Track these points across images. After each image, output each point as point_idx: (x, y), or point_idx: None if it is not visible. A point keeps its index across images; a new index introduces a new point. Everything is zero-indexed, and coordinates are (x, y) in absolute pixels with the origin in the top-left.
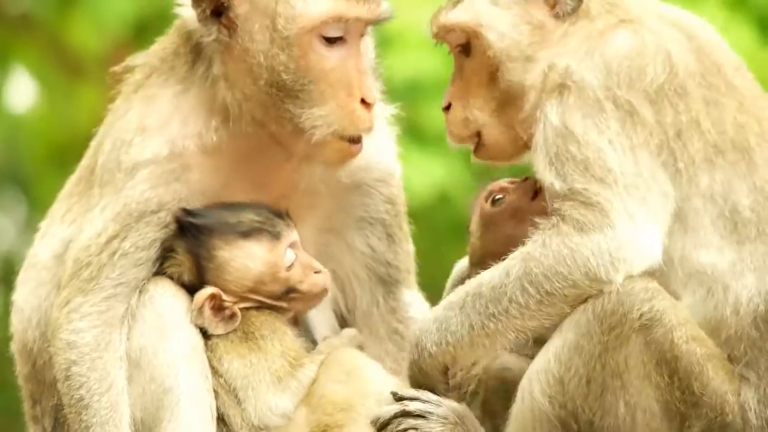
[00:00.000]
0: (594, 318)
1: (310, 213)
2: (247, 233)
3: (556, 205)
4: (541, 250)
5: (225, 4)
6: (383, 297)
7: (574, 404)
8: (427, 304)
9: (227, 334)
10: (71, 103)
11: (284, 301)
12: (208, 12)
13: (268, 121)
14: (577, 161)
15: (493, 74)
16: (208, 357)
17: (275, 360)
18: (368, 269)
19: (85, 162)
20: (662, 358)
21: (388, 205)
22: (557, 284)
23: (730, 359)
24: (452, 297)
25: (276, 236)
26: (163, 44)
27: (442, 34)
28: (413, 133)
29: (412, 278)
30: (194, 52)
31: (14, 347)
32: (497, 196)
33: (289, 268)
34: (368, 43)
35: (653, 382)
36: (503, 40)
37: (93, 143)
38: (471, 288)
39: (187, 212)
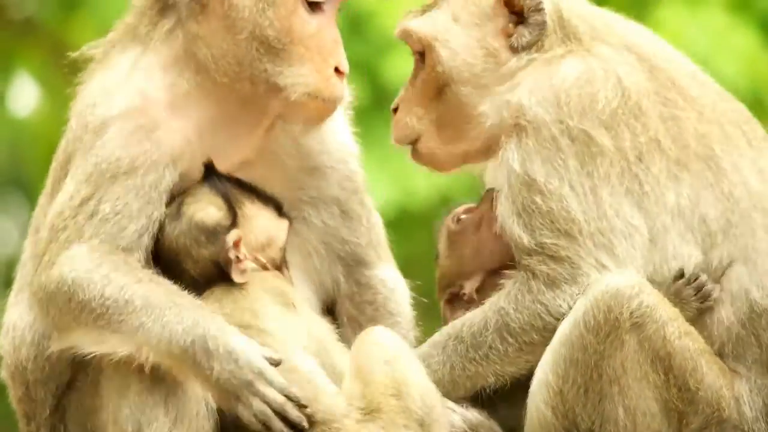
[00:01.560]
0: (587, 331)
1: (272, 184)
2: (266, 200)
3: (524, 262)
4: (514, 305)
5: None
6: (343, 275)
7: (575, 413)
8: (395, 278)
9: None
10: None
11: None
12: None
13: (243, 79)
14: (543, 213)
15: (440, 89)
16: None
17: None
18: (326, 246)
19: (54, 164)
20: (656, 355)
21: (347, 183)
22: (536, 336)
23: (720, 355)
24: (436, 337)
25: (281, 214)
26: (126, 18)
27: (403, 37)
28: None
29: (380, 253)
30: (161, 12)
31: (5, 373)
32: (462, 216)
33: (283, 248)
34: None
35: (651, 382)
36: (454, 60)
37: (60, 143)
38: (453, 331)
39: (212, 164)
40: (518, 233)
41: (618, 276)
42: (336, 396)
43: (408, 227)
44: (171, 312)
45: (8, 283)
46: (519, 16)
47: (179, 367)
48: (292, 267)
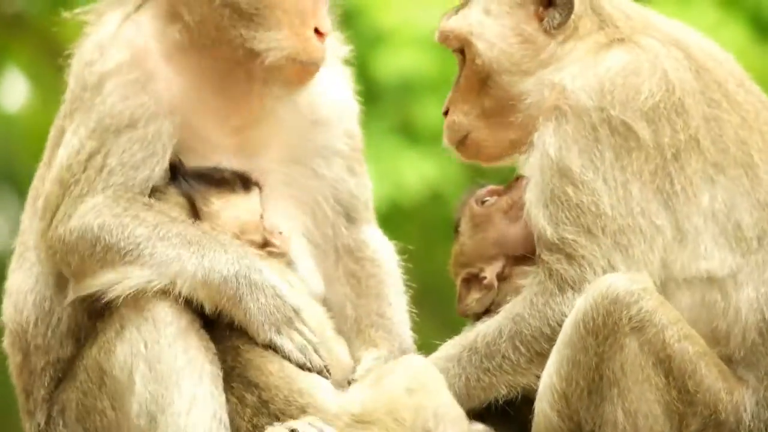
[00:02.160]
0: (587, 333)
1: (274, 143)
2: (234, 188)
3: (543, 257)
4: (528, 310)
5: None
6: (346, 229)
7: (579, 416)
8: (386, 240)
9: None
10: None
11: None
12: None
13: (222, 44)
14: (572, 206)
15: (483, 81)
16: None
17: None
18: (333, 197)
19: (53, 132)
20: (657, 358)
21: (347, 139)
22: (545, 345)
23: (730, 360)
24: (450, 349)
25: (251, 187)
26: None
27: (441, 39)
28: (406, 132)
29: (370, 213)
30: None
31: (6, 341)
32: (486, 198)
33: (262, 222)
34: None
35: (653, 384)
36: (492, 50)
37: (59, 109)
38: (467, 342)
39: (180, 162)
40: (543, 224)
41: (619, 278)
42: (331, 393)
43: (399, 222)
44: (210, 245)
45: (1, 275)
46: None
47: (215, 297)
48: (295, 219)
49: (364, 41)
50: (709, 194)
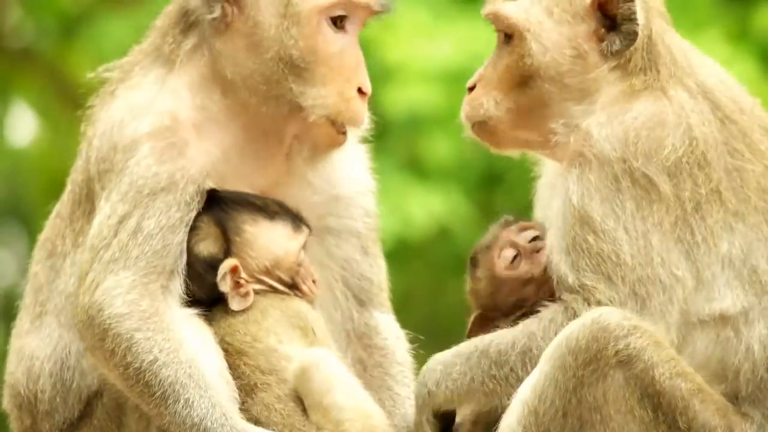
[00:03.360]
0: (568, 352)
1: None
2: (274, 216)
3: (563, 297)
4: (542, 333)
5: None
6: (357, 313)
7: None
8: (398, 328)
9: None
10: (72, 136)
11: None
12: None
13: (269, 98)
14: (593, 254)
15: (524, 79)
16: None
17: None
18: (344, 279)
19: (71, 186)
20: (644, 393)
21: (366, 219)
22: None
23: (735, 397)
24: (462, 347)
25: (297, 227)
26: (147, 38)
27: (492, 19)
28: (413, 167)
29: (384, 297)
30: (184, 31)
31: (10, 402)
32: (508, 253)
33: (300, 264)
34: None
35: (637, 417)
36: (545, 55)
37: (77, 163)
38: (481, 344)
39: (216, 190)
40: (564, 270)
41: (613, 312)
42: None
43: (406, 258)
44: (196, 396)
45: (7, 313)
46: (612, 22)
47: None
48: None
49: (372, 76)
50: (728, 241)
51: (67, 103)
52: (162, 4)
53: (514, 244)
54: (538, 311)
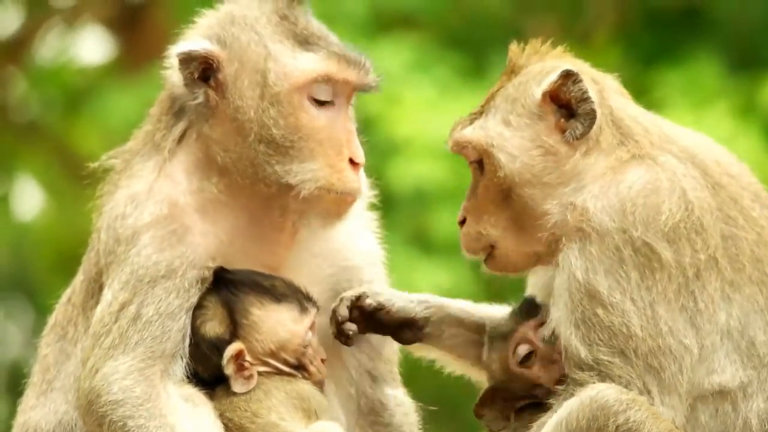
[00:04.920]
0: None
1: (305, 284)
2: (281, 299)
3: (574, 375)
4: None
5: (214, 66)
6: (370, 389)
7: None
8: (409, 402)
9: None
10: (78, 210)
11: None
12: (196, 75)
13: (258, 180)
14: (603, 328)
15: (505, 193)
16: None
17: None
18: (357, 355)
19: (82, 276)
20: None
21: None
22: None
23: None
24: None
25: (304, 309)
26: (144, 125)
27: (456, 149)
28: (420, 241)
29: (394, 371)
30: (174, 117)
31: None
32: (522, 350)
33: (306, 346)
34: (352, 112)
35: None
36: (514, 163)
37: (89, 254)
38: None
39: (224, 269)
40: (575, 345)
41: (609, 387)
42: None
43: None
44: None
45: (13, 386)
46: (568, 109)
47: None
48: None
49: (378, 151)
50: (726, 312)
51: (73, 176)
52: None
53: (530, 342)
54: (550, 400)
